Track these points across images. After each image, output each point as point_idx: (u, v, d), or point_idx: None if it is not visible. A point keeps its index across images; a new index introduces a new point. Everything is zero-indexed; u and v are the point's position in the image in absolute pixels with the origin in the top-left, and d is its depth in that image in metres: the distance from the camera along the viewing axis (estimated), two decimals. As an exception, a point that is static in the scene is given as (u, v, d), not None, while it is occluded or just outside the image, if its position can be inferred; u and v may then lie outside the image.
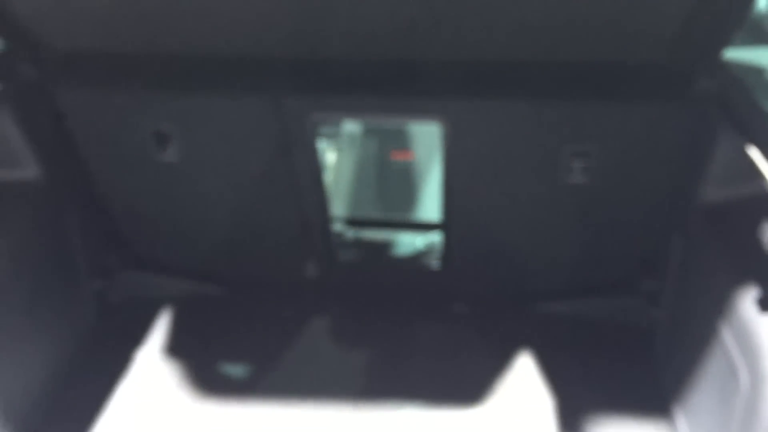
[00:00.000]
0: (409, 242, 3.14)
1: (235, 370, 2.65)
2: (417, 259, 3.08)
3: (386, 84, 2.33)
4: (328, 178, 3.19)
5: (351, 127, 3.41)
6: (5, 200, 2.29)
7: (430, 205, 3.21)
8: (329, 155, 3.36)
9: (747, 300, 1.81)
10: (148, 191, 2.67)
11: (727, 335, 1.89)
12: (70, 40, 2.26)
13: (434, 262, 3.01)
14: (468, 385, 2.59)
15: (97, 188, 2.65)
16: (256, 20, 2.12)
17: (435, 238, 3.10)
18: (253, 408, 2.48)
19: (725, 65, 2.08)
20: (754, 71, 2.05)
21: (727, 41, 1.99)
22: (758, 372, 1.70)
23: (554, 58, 2.21)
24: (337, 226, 3.12)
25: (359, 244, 3.14)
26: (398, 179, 3.30)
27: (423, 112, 2.42)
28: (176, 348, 2.74)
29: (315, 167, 2.58)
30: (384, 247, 3.15)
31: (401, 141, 3.38)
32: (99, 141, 2.52)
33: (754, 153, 1.79)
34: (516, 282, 2.88)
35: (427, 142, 3.35)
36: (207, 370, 2.64)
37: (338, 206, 3.23)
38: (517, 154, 2.42)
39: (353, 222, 3.20)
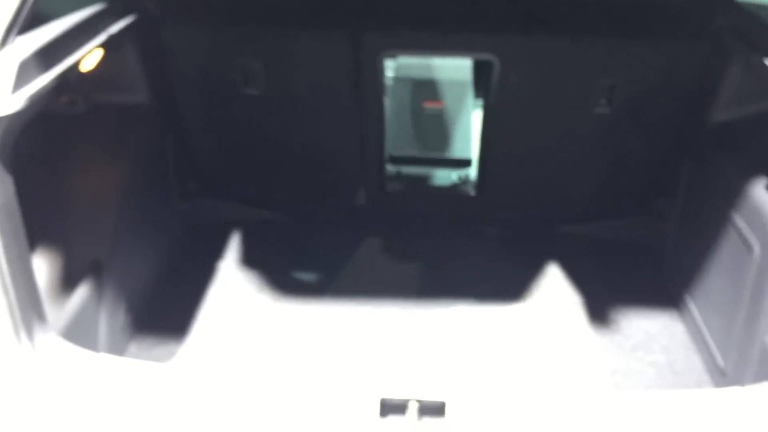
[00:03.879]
0: (445, 176, 3.56)
1: (307, 276, 3.06)
2: (453, 188, 3.50)
3: (450, 23, 2.74)
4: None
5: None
6: (126, 120, 2.66)
7: (462, 144, 3.64)
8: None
9: (758, 187, 2.27)
10: (230, 122, 3.04)
11: (739, 220, 2.34)
12: None
13: (469, 191, 3.44)
14: (504, 289, 3.01)
15: (184, 118, 3.01)
16: None
17: (468, 171, 3.53)
18: (326, 306, 2.87)
19: (737, 4, 2.53)
20: (762, 8, 2.50)
21: (740, -16, 2.45)
22: (769, 239, 2.16)
23: None
24: None
25: (401, 178, 3.55)
26: (432, 123, 3.71)
27: (481, 48, 2.83)
28: (252, 261, 3.12)
29: (380, 101, 2.98)
30: (423, 180, 3.56)
31: (430, 90, 3.79)
32: (193, 74, 2.88)
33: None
34: (542, 206, 3.32)
35: (455, 92, 3.77)
36: (281, 277, 3.03)
37: None
38: (555, 86, 2.85)
39: (394, 159, 3.61)
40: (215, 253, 3.15)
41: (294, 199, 3.37)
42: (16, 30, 1.79)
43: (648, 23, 2.68)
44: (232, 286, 2.98)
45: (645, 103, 2.87)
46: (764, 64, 2.22)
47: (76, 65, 2.04)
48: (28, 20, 1.82)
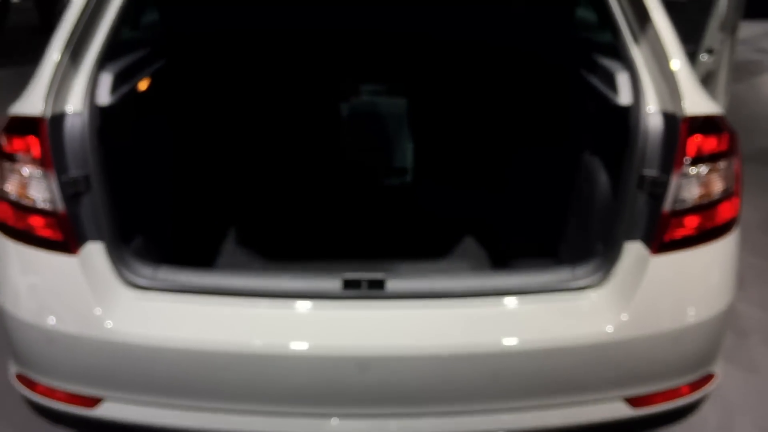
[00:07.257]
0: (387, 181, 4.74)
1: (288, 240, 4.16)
2: (395, 187, 4.68)
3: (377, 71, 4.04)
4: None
5: None
6: (160, 133, 3.77)
7: (400, 158, 4.82)
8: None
9: (586, 154, 3.43)
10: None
11: (580, 181, 3.50)
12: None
13: (405, 190, 4.63)
14: (430, 251, 4.12)
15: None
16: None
17: (405, 177, 4.71)
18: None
19: (575, 40, 3.78)
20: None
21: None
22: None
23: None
24: None
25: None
26: (378, 144, 4.89)
27: (398, 92, 4.15)
28: (246, 242, 4.22)
29: (336, 128, 4.19)
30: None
31: (376, 122, 4.98)
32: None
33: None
34: (455, 198, 4.51)
35: (394, 123, 4.98)
36: (269, 250, 4.13)
37: None
38: (444, 115, 4.12)
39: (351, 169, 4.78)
40: (219, 238, 4.25)
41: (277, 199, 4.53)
42: (108, 58, 2.91)
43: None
44: (231, 255, 4.07)
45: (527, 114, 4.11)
46: (590, 82, 3.39)
47: (137, 84, 3.17)
48: (112, 53, 2.95)
